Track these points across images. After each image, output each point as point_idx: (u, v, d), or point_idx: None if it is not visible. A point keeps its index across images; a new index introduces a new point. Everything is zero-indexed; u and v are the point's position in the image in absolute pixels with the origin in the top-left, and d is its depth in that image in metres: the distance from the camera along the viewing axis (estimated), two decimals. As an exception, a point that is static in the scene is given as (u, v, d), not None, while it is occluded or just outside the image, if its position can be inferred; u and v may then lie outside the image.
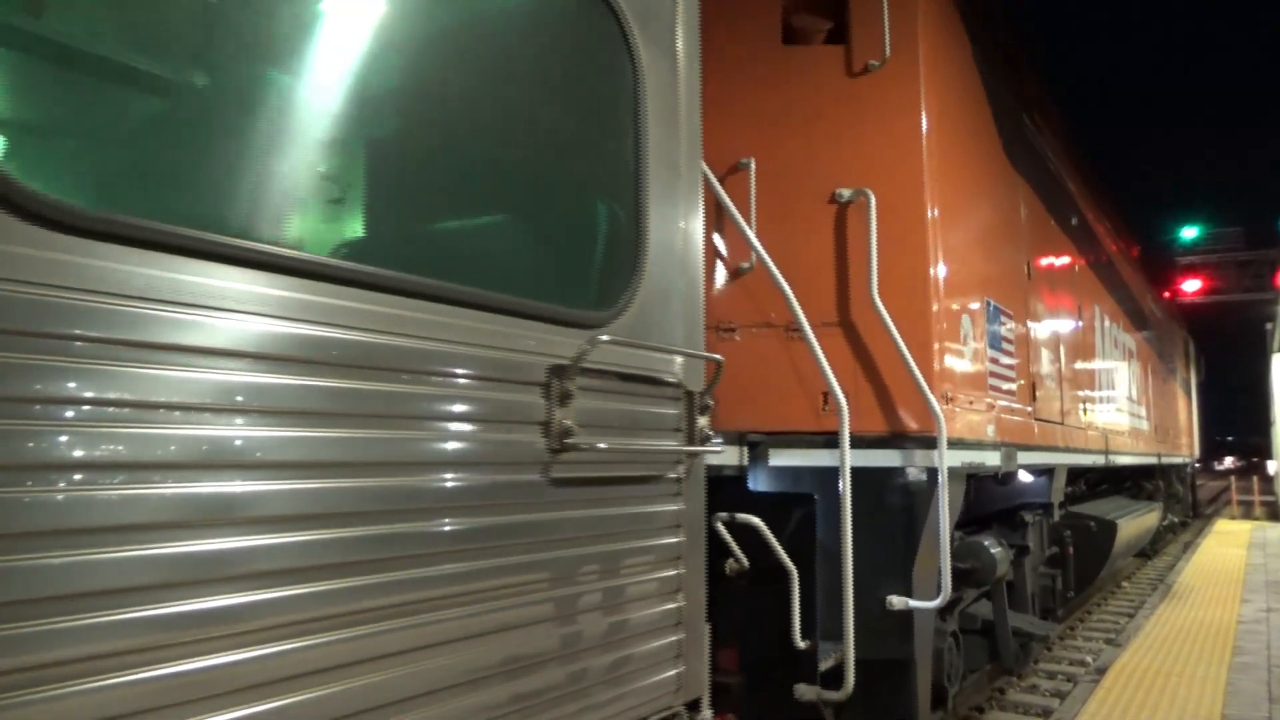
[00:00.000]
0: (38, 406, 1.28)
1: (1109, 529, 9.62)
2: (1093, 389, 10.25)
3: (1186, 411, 22.92)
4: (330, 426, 1.68)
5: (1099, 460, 10.17)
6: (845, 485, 4.24)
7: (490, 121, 2.28)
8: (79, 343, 1.33)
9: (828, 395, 4.60)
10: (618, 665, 2.36)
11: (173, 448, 1.43)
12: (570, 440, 2.19)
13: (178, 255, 1.46)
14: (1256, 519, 24.59)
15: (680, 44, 2.85)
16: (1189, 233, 34.57)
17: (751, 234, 4.38)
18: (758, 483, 4.72)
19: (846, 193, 4.88)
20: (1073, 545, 9.19)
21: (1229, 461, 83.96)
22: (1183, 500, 21.47)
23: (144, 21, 1.60)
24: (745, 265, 4.78)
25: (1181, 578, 12.14)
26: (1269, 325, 30.49)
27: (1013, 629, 6.90)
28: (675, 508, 2.64)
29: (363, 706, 1.70)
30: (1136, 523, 11.34)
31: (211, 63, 1.71)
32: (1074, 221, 9.77)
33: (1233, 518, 25.33)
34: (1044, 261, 8.17)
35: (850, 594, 4.14)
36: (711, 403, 2.77)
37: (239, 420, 1.53)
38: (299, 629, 1.60)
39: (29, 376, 1.27)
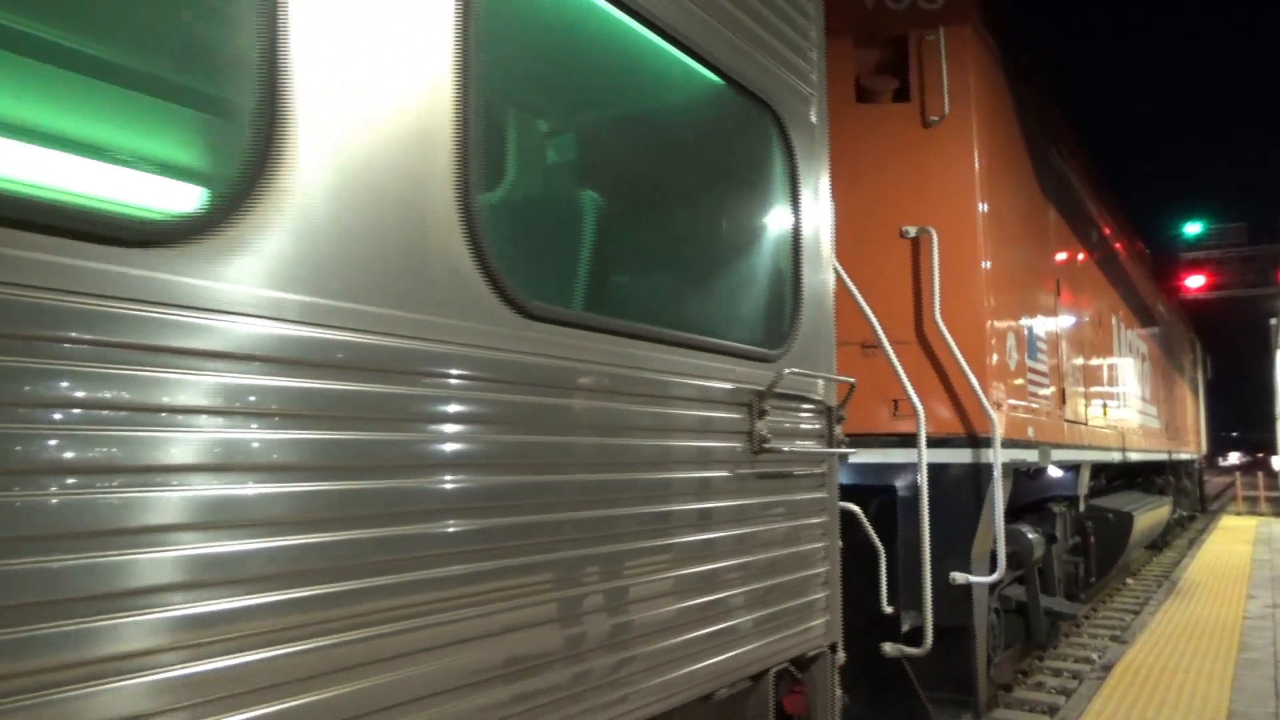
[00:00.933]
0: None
1: (1126, 520, 10.31)
2: (1111, 390, 11.00)
3: (1194, 409, 23.66)
4: (608, 437, 2.45)
5: (1117, 457, 10.92)
6: (923, 479, 5.05)
7: (714, 215, 3.11)
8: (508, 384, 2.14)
9: (898, 402, 5.42)
10: (797, 610, 3.18)
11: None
12: (766, 445, 3.01)
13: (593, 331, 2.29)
14: (1262, 514, 24.73)
15: (815, 127, 3.67)
16: (1193, 228, 34.70)
17: (839, 266, 5.17)
18: (841, 477, 5.54)
19: (912, 230, 5.70)
20: (1094, 535, 9.90)
21: (1234, 458, 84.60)
22: (1191, 495, 22.21)
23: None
24: (827, 292, 5.59)
25: (1187, 574, 12.19)
26: (1273, 321, 31.11)
27: (1044, 609, 7.71)
28: (822, 495, 3.46)
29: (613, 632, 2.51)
30: (1150, 515, 12.01)
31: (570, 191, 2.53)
32: (1093, 235, 10.56)
33: (1238, 513, 25.47)
34: (1068, 275, 8.96)
35: (928, 569, 4.95)
36: (845, 415, 3.58)
37: (542, 432, 2.22)
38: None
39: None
